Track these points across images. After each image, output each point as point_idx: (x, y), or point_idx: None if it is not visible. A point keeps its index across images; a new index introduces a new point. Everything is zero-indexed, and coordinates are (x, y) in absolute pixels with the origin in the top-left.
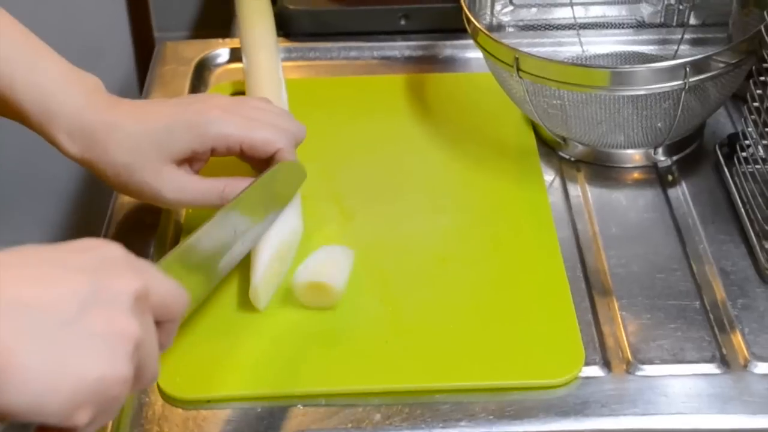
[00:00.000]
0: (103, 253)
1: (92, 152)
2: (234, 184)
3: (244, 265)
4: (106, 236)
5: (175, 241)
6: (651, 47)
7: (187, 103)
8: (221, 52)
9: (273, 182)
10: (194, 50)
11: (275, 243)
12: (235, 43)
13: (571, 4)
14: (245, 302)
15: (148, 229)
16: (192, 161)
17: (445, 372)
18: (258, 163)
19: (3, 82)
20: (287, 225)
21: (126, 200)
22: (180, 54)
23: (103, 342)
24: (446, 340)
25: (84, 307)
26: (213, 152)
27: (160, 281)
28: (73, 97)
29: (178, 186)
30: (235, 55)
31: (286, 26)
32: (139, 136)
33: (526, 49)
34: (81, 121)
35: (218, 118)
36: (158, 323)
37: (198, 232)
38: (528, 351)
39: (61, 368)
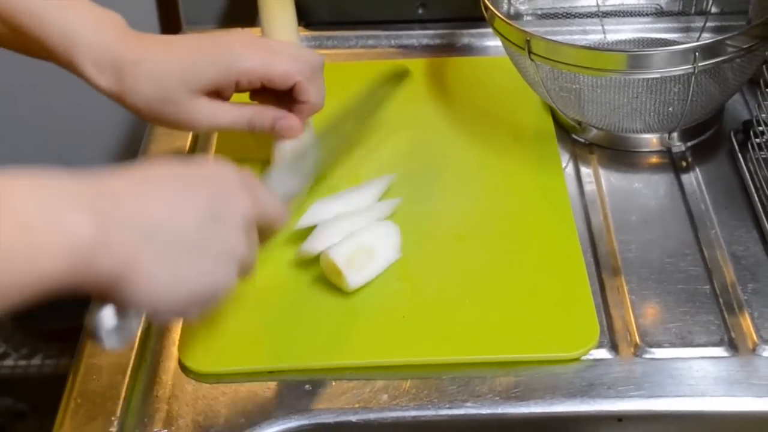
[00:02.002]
0: (220, 175)
1: (122, 85)
2: (262, 112)
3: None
4: None
5: None
6: (674, 35)
7: (212, 38)
8: None
9: (375, 94)
10: None
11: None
12: (254, 31)
13: None
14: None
15: None
16: (219, 93)
17: (462, 346)
18: (280, 95)
19: (33, 21)
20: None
21: None
22: None
23: (216, 258)
24: (463, 316)
25: (203, 226)
26: (237, 85)
27: (268, 201)
28: (101, 33)
29: (210, 113)
30: None
31: (305, 15)
32: (167, 71)
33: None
34: (110, 55)
35: (241, 53)
36: (259, 232)
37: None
38: (544, 325)
39: (179, 277)
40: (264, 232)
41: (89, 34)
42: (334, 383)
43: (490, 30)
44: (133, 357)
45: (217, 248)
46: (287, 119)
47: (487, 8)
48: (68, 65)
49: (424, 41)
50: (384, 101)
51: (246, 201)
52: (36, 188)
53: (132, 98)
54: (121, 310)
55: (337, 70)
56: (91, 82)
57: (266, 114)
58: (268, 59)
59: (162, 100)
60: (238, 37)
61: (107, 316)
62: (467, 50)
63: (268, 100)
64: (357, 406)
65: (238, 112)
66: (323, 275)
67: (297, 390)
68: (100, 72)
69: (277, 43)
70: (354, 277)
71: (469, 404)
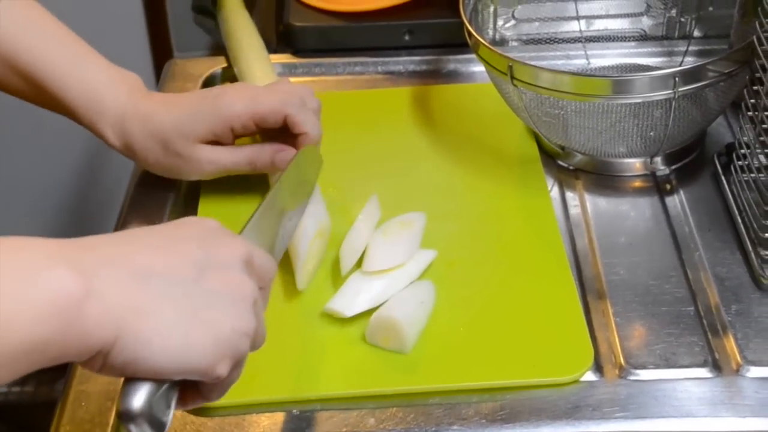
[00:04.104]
0: (200, 225)
1: (133, 144)
2: (261, 149)
3: None
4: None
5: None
6: (657, 59)
7: (207, 92)
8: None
9: (298, 169)
10: (202, 67)
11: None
12: None
13: (578, 18)
14: None
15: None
16: (219, 142)
17: (455, 373)
18: (277, 134)
19: (55, 83)
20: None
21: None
22: (188, 71)
23: (227, 298)
24: (456, 342)
25: (201, 269)
26: (233, 131)
27: (257, 249)
28: (117, 97)
29: (212, 160)
30: None
31: (293, 43)
32: (166, 126)
33: (529, 63)
34: (122, 118)
35: (229, 100)
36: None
37: (249, 223)
38: (539, 350)
39: (196, 324)
40: (260, 284)
41: (107, 99)
42: (321, 406)
43: (475, 56)
44: (122, 384)
45: (223, 288)
46: (285, 152)
47: (470, 35)
48: (88, 126)
49: (411, 67)
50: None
51: (239, 245)
52: (5, 252)
53: (141, 156)
54: (152, 389)
55: (325, 99)
56: (107, 143)
57: (265, 150)
58: (253, 100)
59: (167, 155)
60: (231, 87)
61: (138, 398)
62: (453, 76)
63: (278, 139)
64: (344, 430)
65: (238, 153)
66: (309, 308)
67: (284, 415)
68: (114, 135)
69: (263, 86)
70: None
71: (455, 427)
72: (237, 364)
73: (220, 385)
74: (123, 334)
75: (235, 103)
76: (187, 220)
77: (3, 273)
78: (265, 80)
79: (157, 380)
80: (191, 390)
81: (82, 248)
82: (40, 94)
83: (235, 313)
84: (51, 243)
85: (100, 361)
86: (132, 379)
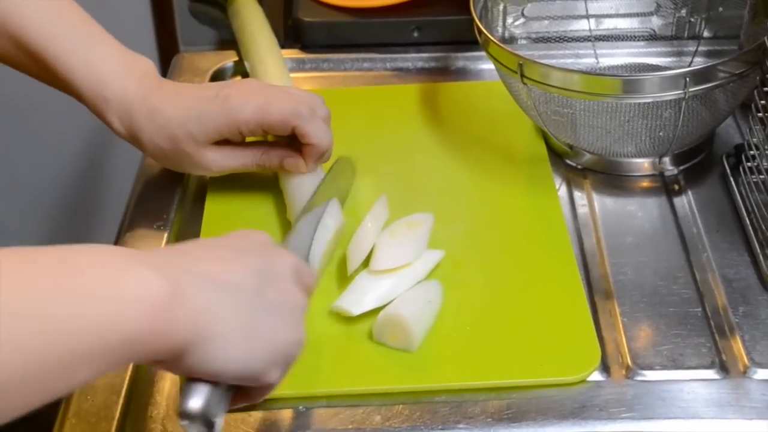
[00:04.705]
0: (255, 238)
1: (139, 135)
2: (269, 151)
3: None
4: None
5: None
6: (666, 59)
7: (218, 89)
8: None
9: (336, 178)
10: (209, 61)
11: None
12: None
13: (587, 17)
14: None
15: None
16: (228, 141)
17: (461, 370)
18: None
19: (61, 64)
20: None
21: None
22: (195, 65)
23: (283, 310)
24: (463, 341)
25: (262, 280)
26: (242, 134)
27: (302, 262)
28: (125, 84)
29: (219, 160)
30: None
31: (301, 38)
32: (174, 123)
33: (538, 60)
34: (129, 108)
35: (238, 105)
36: None
37: (292, 233)
38: (546, 349)
39: (256, 333)
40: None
41: (115, 86)
42: (327, 403)
43: (484, 53)
44: (127, 377)
45: (281, 299)
46: (294, 157)
47: (480, 32)
48: (93, 111)
49: (419, 64)
50: (345, 192)
51: (290, 257)
52: (84, 254)
53: (149, 148)
54: (210, 392)
55: (333, 95)
56: (113, 130)
57: (274, 153)
58: (263, 108)
59: (174, 151)
60: (239, 87)
61: (197, 399)
62: (462, 73)
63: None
64: (350, 427)
65: (246, 154)
66: (316, 306)
67: (291, 411)
68: (120, 123)
69: (274, 90)
70: (415, 330)
71: (461, 426)
72: (285, 372)
73: (267, 388)
74: (199, 336)
75: (244, 108)
76: (240, 234)
77: (93, 272)
78: (278, 76)
79: (214, 383)
80: (237, 392)
81: (154, 255)
82: (46, 73)
83: (291, 322)
84: (121, 249)
85: (175, 361)
86: (192, 381)
